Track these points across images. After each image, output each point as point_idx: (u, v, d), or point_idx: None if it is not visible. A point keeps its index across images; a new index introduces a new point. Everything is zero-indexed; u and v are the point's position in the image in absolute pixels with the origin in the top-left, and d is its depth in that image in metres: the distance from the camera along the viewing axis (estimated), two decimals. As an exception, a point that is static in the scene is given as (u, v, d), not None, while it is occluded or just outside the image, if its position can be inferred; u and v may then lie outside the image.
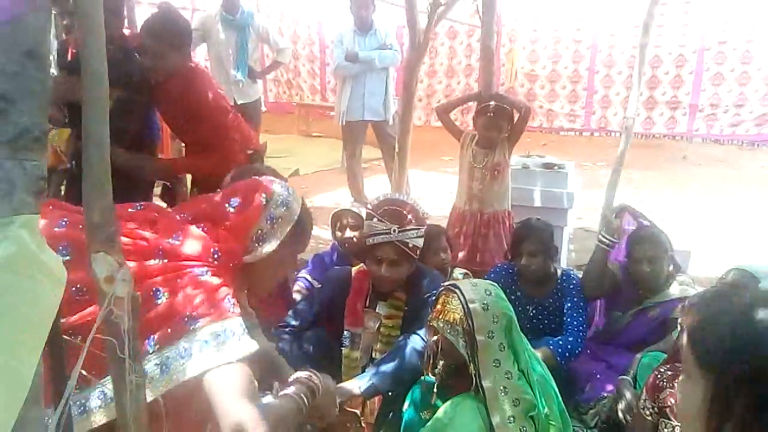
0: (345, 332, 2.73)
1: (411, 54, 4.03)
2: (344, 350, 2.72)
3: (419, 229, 2.66)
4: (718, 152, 8.38)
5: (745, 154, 8.33)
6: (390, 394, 2.55)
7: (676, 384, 2.05)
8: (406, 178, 4.30)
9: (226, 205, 1.65)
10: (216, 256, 1.54)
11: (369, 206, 2.77)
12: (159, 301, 1.41)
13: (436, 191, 5.99)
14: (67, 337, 0.91)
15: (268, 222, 1.66)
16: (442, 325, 2.11)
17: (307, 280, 3.42)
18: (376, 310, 2.73)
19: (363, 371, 2.59)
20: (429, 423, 2.17)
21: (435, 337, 2.17)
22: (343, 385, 2.52)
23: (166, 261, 1.48)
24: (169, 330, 1.39)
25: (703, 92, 8.75)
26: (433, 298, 2.28)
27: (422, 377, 2.39)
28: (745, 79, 8.51)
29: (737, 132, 8.70)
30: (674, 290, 2.96)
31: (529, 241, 3.06)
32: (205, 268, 1.49)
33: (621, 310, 3.11)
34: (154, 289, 1.41)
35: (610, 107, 9.27)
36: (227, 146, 3.16)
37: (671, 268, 3.03)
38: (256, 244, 1.65)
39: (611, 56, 9.11)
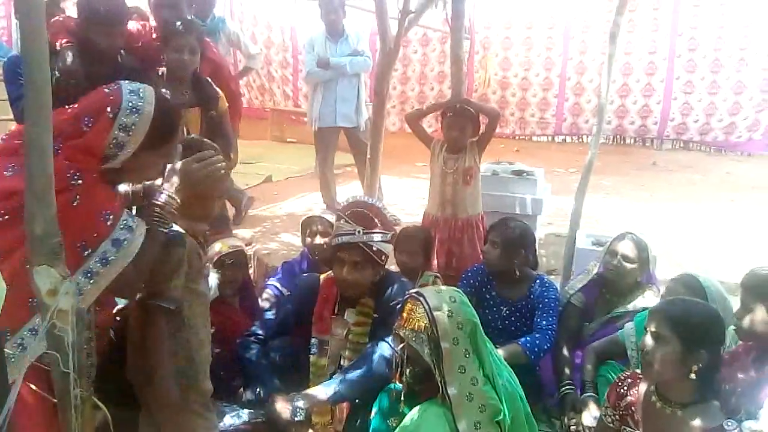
0: (313, 340, 2.71)
1: (382, 60, 4.03)
2: (312, 358, 2.71)
3: (385, 233, 2.66)
4: (686, 158, 8.51)
5: (712, 159, 8.48)
6: (357, 401, 2.54)
7: (635, 391, 2.09)
8: (377, 184, 4.30)
9: (82, 124, 1.73)
10: (76, 176, 1.66)
11: (339, 207, 2.79)
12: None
13: (408, 197, 5.99)
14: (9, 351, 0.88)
15: (121, 131, 1.74)
16: (407, 333, 2.11)
17: (276, 287, 3.40)
18: (344, 318, 2.72)
19: (331, 378, 2.58)
20: (396, 430, 2.16)
21: (401, 345, 2.17)
22: (309, 391, 2.51)
23: None
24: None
25: (674, 101, 8.89)
26: (401, 305, 2.28)
27: (390, 385, 2.38)
28: (714, 88, 8.66)
29: (706, 139, 8.87)
30: (642, 302, 3.00)
31: (495, 232, 3.13)
32: (75, 195, 1.64)
33: (591, 320, 3.15)
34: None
35: (581, 115, 9.37)
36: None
37: (643, 280, 3.08)
38: (116, 151, 1.75)
39: (582, 63, 9.21)
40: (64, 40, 3.01)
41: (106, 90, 1.80)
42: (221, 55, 4.19)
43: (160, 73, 3.31)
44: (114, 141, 1.73)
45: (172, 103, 2.00)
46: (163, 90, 3.12)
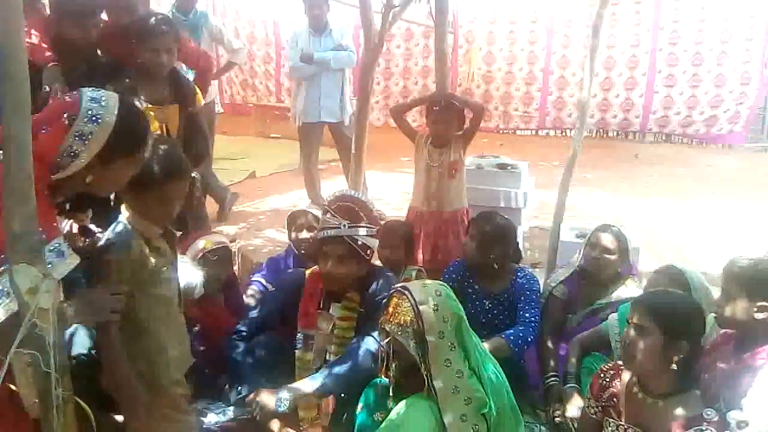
0: (298, 334, 2.71)
1: (366, 55, 4.02)
2: (297, 352, 2.70)
3: (371, 228, 2.65)
4: (669, 151, 8.59)
5: (694, 152, 8.57)
6: (343, 396, 2.54)
7: (617, 382, 2.12)
8: (362, 179, 4.29)
9: (39, 130, 1.61)
10: None
11: (325, 201, 2.79)
12: None
13: (393, 192, 6.00)
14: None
15: (77, 139, 1.64)
16: (392, 327, 2.11)
17: (261, 283, 3.39)
18: (330, 312, 2.72)
19: (317, 372, 2.58)
20: (382, 424, 2.17)
21: (387, 339, 2.17)
22: (295, 384, 2.51)
23: None
24: None
25: (656, 94, 8.96)
26: (386, 299, 2.28)
27: (375, 379, 2.39)
28: (696, 81, 8.74)
29: (687, 132, 8.95)
30: (624, 292, 3.04)
31: (473, 226, 3.18)
32: None
33: (575, 312, 3.18)
34: None
35: (564, 108, 9.42)
36: None
37: (624, 270, 3.12)
38: (68, 160, 1.64)
39: (565, 57, 9.25)
40: (48, 53, 2.98)
41: (67, 97, 1.72)
42: (195, 46, 4.13)
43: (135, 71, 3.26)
44: (68, 148, 1.64)
45: (141, 110, 1.91)
46: (140, 87, 3.08)
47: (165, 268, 2.08)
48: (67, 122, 1.63)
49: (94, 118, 1.66)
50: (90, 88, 1.73)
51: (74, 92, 1.72)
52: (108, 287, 1.86)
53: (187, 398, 2.28)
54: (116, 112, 1.70)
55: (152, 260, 2.02)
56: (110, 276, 1.92)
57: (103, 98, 1.71)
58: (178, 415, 2.17)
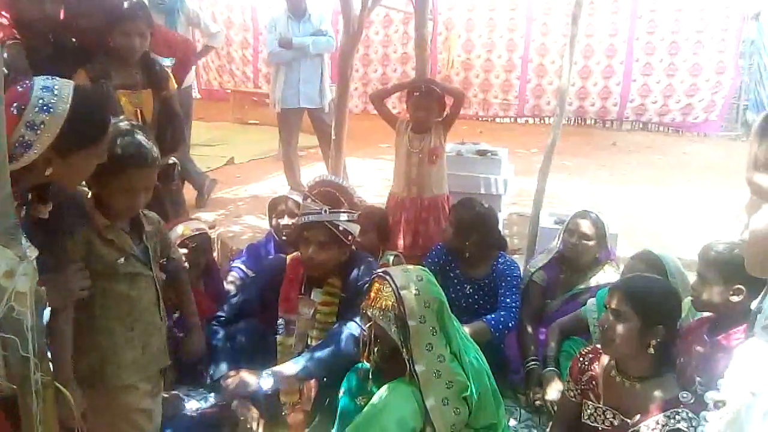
0: (279, 320, 2.70)
1: (345, 41, 3.99)
2: (279, 338, 2.70)
3: (351, 213, 2.65)
4: (645, 139, 8.70)
5: (670, 140, 8.69)
6: (325, 379, 2.55)
7: (596, 366, 2.15)
8: (342, 166, 4.28)
9: None
10: None
11: (306, 187, 2.77)
12: None
13: (373, 178, 5.99)
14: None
15: (29, 129, 1.58)
16: (374, 312, 2.12)
17: (241, 269, 3.36)
18: (311, 297, 2.72)
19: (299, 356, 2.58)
20: (364, 409, 2.17)
21: (369, 324, 2.18)
22: (277, 367, 2.51)
23: None
24: None
25: (634, 82, 9.05)
26: (368, 285, 2.28)
27: (357, 364, 2.39)
28: (672, 70, 8.84)
29: (664, 120, 9.06)
30: (603, 277, 3.07)
31: (452, 212, 3.24)
32: None
33: (554, 297, 3.21)
34: None
35: (543, 96, 9.47)
36: None
37: (602, 256, 3.15)
38: (21, 150, 1.58)
39: (544, 45, 9.29)
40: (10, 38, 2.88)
41: (18, 87, 1.63)
42: (176, 33, 4.07)
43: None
44: (20, 139, 1.56)
45: (100, 100, 1.83)
46: (112, 72, 3.00)
47: (121, 262, 1.93)
48: (15, 112, 1.57)
49: (45, 107, 1.60)
50: (43, 77, 1.66)
51: (26, 81, 1.64)
52: (70, 267, 1.78)
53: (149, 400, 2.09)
54: (70, 102, 1.63)
55: (101, 253, 1.90)
56: (62, 259, 1.82)
57: (56, 87, 1.64)
58: (129, 430, 2.01)
